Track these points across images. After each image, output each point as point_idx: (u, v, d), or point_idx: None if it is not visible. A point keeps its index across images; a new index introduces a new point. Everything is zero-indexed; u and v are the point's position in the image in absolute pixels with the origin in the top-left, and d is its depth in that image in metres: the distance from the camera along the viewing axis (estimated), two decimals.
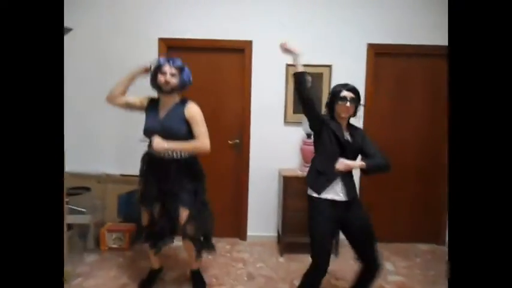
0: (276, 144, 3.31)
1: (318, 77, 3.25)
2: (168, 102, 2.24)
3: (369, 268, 2.04)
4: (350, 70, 3.25)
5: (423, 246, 3.38)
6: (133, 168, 3.27)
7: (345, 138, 2.02)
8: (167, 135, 2.16)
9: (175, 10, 3.23)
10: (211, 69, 3.32)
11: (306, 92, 1.98)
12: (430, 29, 3.23)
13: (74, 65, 3.17)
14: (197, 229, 2.28)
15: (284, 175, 3.04)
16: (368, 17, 3.23)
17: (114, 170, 3.30)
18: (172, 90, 2.19)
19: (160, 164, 2.23)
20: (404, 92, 3.37)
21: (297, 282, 2.57)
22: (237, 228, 3.41)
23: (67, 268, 2.54)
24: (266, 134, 3.31)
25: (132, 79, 2.29)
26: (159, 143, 2.12)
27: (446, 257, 3.10)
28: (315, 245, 1.98)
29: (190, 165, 2.27)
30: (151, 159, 2.29)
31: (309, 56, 3.23)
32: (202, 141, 2.19)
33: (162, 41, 3.24)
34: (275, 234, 3.41)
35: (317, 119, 2.02)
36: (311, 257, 1.99)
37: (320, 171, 2.00)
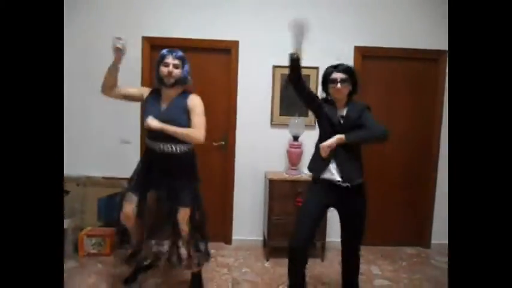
0: (263, 147, 3.25)
1: (305, 79, 3.19)
2: (170, 95, 2.20)
3: (346, 256, 2.12)
4: None
5: (409, 250, 3.38)
6: (115, 170, 3.19)
7: (338, 118, 2.01)
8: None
9: (160, 8, 3.14)
10: (197, 70, 3.18)
11: (301, 79, 2.01)
12: (416, 33, 3.24)
13: None
14: (194, 231, 2.27)
15: (270, 178, 2.99)
16: (355, 20, 3.22)
17: (95, 172, 3.18)
18: (176, 82, 2.15)
19: (160, 158, 2.16)
20: (391, 95, 3.37)
21: None
22: (222, 232, 3.34)
23: None
24: (252, 136, 3.25)
25: (115, 68, 2.19)
26: (153, 120, 2.07)
27: (431, 260, 3.13)
28: (295, 223, 2.04)
29: (190, 163, 2.24)
30: (151, 154, 2.21)
31: None
32: (197, 130, 2.14)
33: (146, 39, 3.15)
34: (261, 238, 3.35)
35: (317, 108, 2.07)
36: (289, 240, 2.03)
37: (316, 155, 2.05)
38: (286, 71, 3.20)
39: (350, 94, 2.06)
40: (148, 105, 2.21)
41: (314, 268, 2.86)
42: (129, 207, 2.20)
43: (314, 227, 2.02)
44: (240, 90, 3.23)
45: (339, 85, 1.97)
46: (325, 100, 2.12)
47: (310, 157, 2.16)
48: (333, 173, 2.00)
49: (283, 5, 3.18)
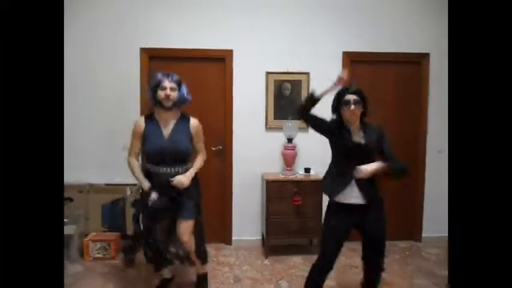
0: (258, 150, 3.40)
1: (297, 84, 3.38)
2: (170, 119, 2.24)
3: (369, 271, 2.15)
4: (327, 77, 3.34)
5: (401, 244, 3.53)
6: (117, 177, 3.30)
7: (355, 141, 2.00)
8: (175, 152, 2.20)
9: (157, 20, 3.29)
10: (193, 78, 3.37)
11: (310, 112, 2.06)
12: (400, 38, 3.44)
13: None
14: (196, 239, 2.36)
15: (267, 179, 3.13)
16: (343, 26, 3.40)
17: (98, 180, 3.29)
18: (174, 105, 2.21)
19: (166, 180, 2.21)
20: (378, 97, 3.54)
21: (282, 283, 2.68)
22: (222, 233, 3.46)
23: None
24: (248, 139, 3.40)
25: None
26: (180, 180, 2.18)
27: (422, 253, 3.28)
28: (322, 242, 2.11)
29: (194, 178, 2.31)
30: (157, 177, 2.24)
31: (288, 64, 3.40)
32: (204, 154, 2.37)
33: (144, 50, 3.29)
34: (259, 237, 3.48)
35: (326, 131, 2.08)
36: (319, 253, 2.09)
37: (333, 176, 2.08)
38: (279, 77, 3.40)
39: (362, 116, 2.05)
40: (150, 133, 2.22)
41: None
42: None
43: (340, 248, 2.06)
44: (235, 96, 3.38)
45: (353, 106, 1.96)
46: (334, 122, 2.10)
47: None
48: (357, 196, 2.00)
49: (274, 15, 3.36)
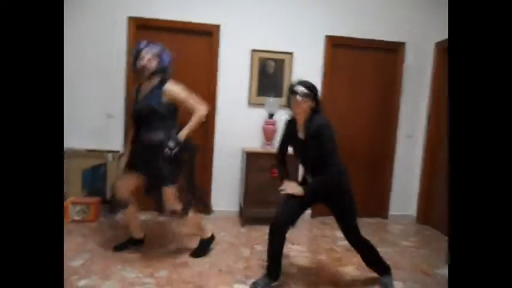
0: (240, 124, 3.53)
1: (280, 63, 3.51)
2: (149, 86, 2.33)
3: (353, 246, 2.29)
4: (309, 59, 3.56)
5: (370, 220, 3.78)
6: (99, 143, 3.35)
7: (298, 136, 2.11)
8: (148, 113, 2.27)
9: None
10: (180, 50, 3.42)
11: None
12: (380, 26, 3.63)
13: None
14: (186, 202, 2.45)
15: (247, 151, 3.27)
16: (327, 10, 3.56)
17: (79, 145, 3.32)
18: (152, 74, 2.28)
19: (145, 149, 2.33)
20: (357, 82, 3.75)
21: (257, 247, 2.84)
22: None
23: None
24: (231, 114, 3.52)
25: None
26: (178, 138, 2.29)
27: (388, 227, 3.53)
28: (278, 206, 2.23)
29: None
30: (140, 145, 2.37)
31: (273, 43, 3.52)
32: (199, 109, 2.33)
33: (132, 20, 3.32)
34: (237, 209, 3.63)
35: (287, 141, 2.28)
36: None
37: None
38: (264, 55, 3.52)
39: (313, 112, 2.05)
40: (134, 100, 2.40)
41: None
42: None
43: (298, 212, 2.16)
44: (220, 71, 3.48)
45: (298, 98, 1.99)
46: (287, 122, 2.22)
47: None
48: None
49: None
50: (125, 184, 2.46)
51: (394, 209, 3.87)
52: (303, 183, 2.23)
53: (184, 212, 2.47)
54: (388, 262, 2.36)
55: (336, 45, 3.61)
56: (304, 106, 2.02)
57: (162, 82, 2.33)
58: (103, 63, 3.33)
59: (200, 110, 2.35)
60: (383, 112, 3.79)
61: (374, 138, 3.82)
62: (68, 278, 2.15)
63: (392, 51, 3.70)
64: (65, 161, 3.23)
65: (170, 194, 2.36)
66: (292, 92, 2.02)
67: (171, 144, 2.25)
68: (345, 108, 3.73)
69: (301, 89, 2.00)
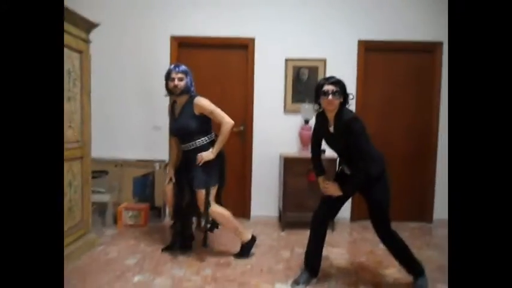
0: (277, 131, 3.65)
1: (313, 70, 3.61)
2: (181, 103, 2.63)
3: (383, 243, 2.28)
4: (342, 64, 3.61)
5: (412, 224, 3.69)
6: (147, 153, 3.63)
7: (330, 130, 2.17)
8: (183, 132, 2.60)
9: (185, 9, 3.58)
10: (217, 64, 3.68)
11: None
12: (414, 27, 3.61)
13: (96, 63, 3.50)
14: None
15: (285, 156, 3.38)
16: (358, 15, 3.61)
17: (130, 156, 3.62)
18: (182, 92, 2.57)
19: (187, 156, 2.64)
20: (392, 85, 3.72)
21: (297, 250, 2.90)
22: (242, 209, 3.71)
23: (92, 236, 2.84)
24: (268, 122, 3.65)
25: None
26: (206, 155, 2.54)
27: (432, 231, 3.43)
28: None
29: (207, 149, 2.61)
30: (182, 155, 2.70)
31: (306, 51, 3.63)
32: (225, 122, 2.56)
33: (174, 38, 3.60)
34: (276, 214, 3.72)
35: (319, 136, 2.37)
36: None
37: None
38: (297, 63, 3.63)
39: (341, 105, 2.13)
40: (170, 117, 2.72)
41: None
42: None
43: (338, 206, 2.27)
44: (256, 81, 3.64)
45: (330, 97, 2.06)
46: (318, 115, 2.28)
47: None
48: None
49: (294, 5, 3.60)
50: (172, 190, 2.70)
51: (438, 213, 3.74)
52: (341, 174, 2.30)
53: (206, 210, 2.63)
54: (433, 265, 2.31)
55: (369, 50, 3.63)
56: (336, 103, 2.09)
57: (191, 98, 2.61)
58: (149, 80, 3.63)
59: (227, 122, 2.57)
60: (422, 114, 3.72)
61: (414, 140, 3.75)
62: (124, 274, 2.37)
63: (429, 51, 3.65)
64: (118, 170, 3.54)
65: (202, 196, 2.57)
66: (324, 93, 2.08)
67: (205, 155, 2.53)
68: (381, 112, 3.71)
69: (332, 88, 2.07)
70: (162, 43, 3.61)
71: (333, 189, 2.21)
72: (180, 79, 2.55)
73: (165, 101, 3.61)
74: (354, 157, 2.08)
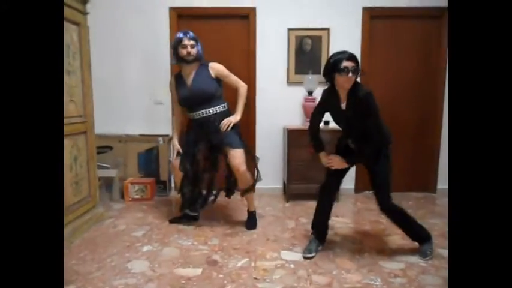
0: (280, 103, 3.61)
1: (317, 40, 3.52)
2: (191, 71, 2.57)
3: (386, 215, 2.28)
4: (347, 33, 3.52)
5: (416, 194, 3.71)
6: (151, 128, 3.62)
7: (342, 107, 2.09)
8: (200, 96, 2.53)
9: None
10: (218, 35, 3.59)
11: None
12: None
13: (95, 38, 3.44)
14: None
15: (288, 128, 3.36)
16: None
17: (134, 131, 3.62)
18: (195, 59, 2.52)
19: (203, 123, 2.59)
20: (398, 53, 3.64)
21: (302, 219, 2.94)
22: None
23: (100, 210, 2.88)
24: (271, 94, 3.61)
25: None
26: (233, 118, 2.59)
27: (436, 201, 3.46)
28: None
29: (227, 116, 2.63)
30: (195, 123, 2.64)
31: (309, 20, 3.53)
32: (241, 85, 2.65)
33: (173, 9, 3.50)
34: (281, 186, 3.74)
35: (324, 112, 2.29)
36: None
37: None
38: (300, 33, 3.54)
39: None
40: (178, 88, 2.62)
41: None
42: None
43: (343, 173, 2.28)
44: (258, 52, 3.57)
45: (350, 74, 1.94)
46: (326, 92, 2.19)
47: None
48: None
49: None
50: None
51: (442, 183, 3.75)
52: (340, 146, 2.29)
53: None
54: (436, 233, 2.34)
55: (374, 17, 3.52)
56: (353, 79, 1.99)
57: (203, 64, 2.57)
58: (149, 53, 3.57)
59: (243, 85, 2.66)
60: (428, 82, 3.65)
61: (419, 110, 3.71)
62: (133, 245, 2.42)
63: (436, 17, 3.53)
64: (122, 145, 3.55)
65: (241, 155, 2.62)
66: (343, 69, 1.95)
67: (232, 119, 2.60)
68: (386, 81, 3.65)
69: (351, 65, 1.95)
70: (161, 15, 3.52)
71: (338, 163, 2.20)
72: (192, 46, 2.50)
73: (167, 76, 3.58)
74: (368, 131, 2.03)
